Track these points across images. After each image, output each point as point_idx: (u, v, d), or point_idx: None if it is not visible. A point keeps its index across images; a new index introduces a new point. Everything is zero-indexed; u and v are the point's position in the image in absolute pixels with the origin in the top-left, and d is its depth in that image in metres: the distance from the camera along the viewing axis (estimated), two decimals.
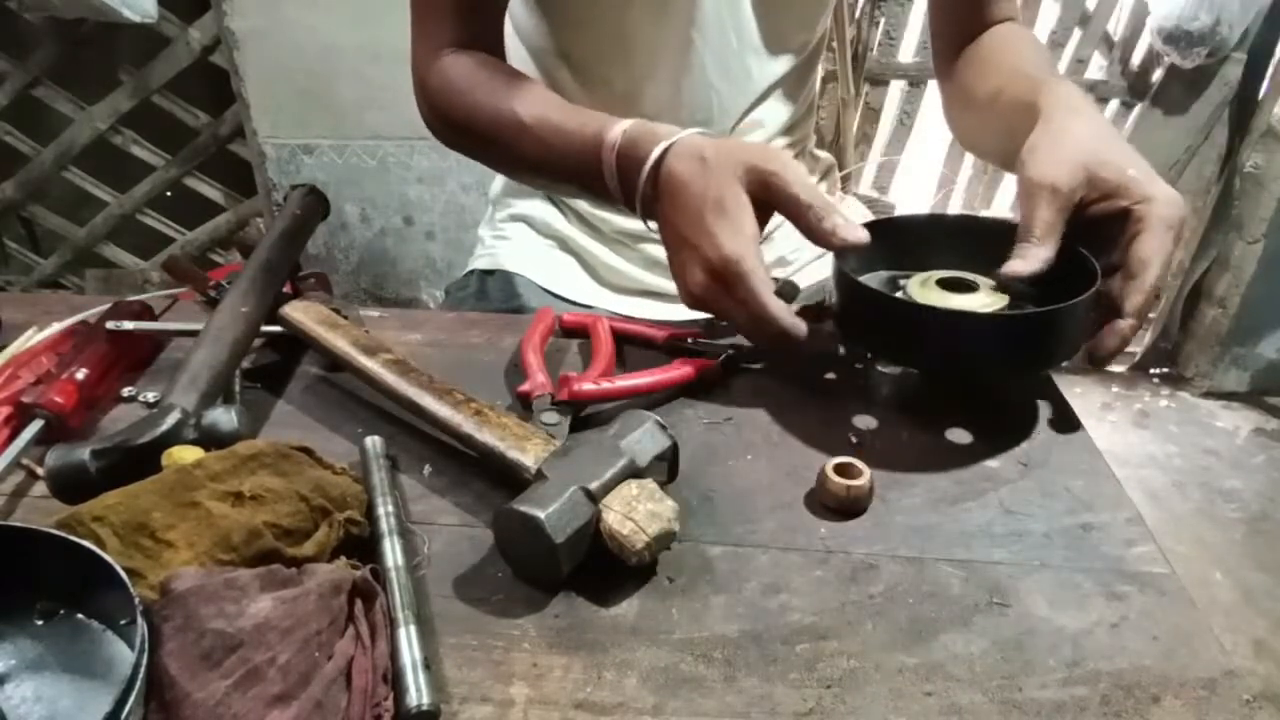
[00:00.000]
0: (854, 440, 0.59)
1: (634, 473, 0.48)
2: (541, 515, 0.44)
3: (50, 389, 0.57)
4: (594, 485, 0.46)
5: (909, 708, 0.41)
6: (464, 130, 0.76)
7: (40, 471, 0.51)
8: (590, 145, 0.66)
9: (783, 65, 0.85)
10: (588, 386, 0.59)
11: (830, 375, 0.67)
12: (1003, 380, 0.65)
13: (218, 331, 0.59)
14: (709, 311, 0.63)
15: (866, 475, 0.53)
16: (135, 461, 0.49)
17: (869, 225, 0.67)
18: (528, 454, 0.50)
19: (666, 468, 0.52)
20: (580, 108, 0.70)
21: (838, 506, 0.52)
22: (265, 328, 0.65)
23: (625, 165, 0.64)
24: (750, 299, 0.58)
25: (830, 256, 0.62)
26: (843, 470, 0.53)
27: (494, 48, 0.79)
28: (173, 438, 0.51)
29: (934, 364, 0.62)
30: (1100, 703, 0.41)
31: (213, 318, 0.60)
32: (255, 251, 0.67)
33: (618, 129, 0.65)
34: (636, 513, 0.46)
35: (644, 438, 0.51)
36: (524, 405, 0.59)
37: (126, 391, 0.62)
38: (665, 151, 0.62)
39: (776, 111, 0.88)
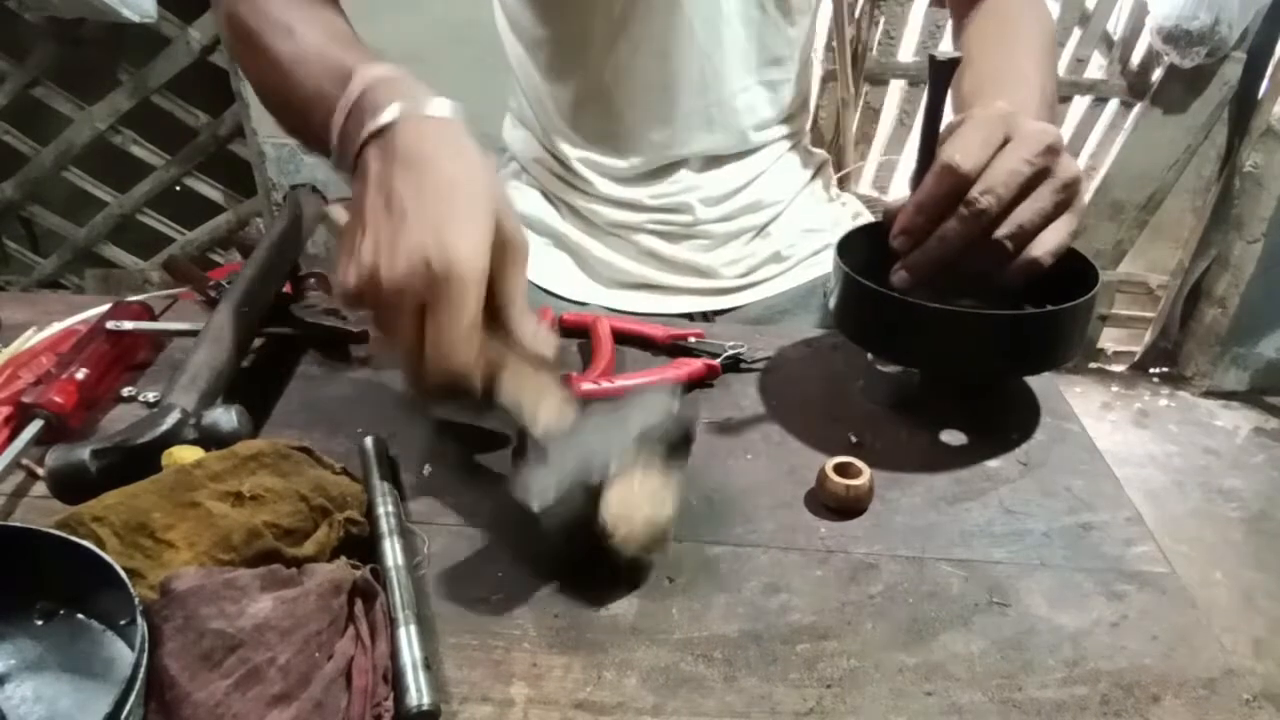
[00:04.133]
0: (854, 440, 0.59)
1: (643, 457, 0.46)
2: (537, 509, 0.43)
3: (50, 389, 0.57)
4: (595, 477, 0.45)
5: (909, 707, 0.41)
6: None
7: (40, 471, 0.51)
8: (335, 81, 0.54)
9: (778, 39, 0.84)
10: (588, 386, 0.59)
11: (830, 375, 0.67)
12: (1002, 380, 0.65)
13: (218, 331, 0.59)
14: (367, 309, 0.49)
15: (866, 475, 0.53)
16: (135, 461, 0.49)
17: (869, 226, 0.67)
18: (538, 423, 0.48)
19: (682, 450, 0.50)
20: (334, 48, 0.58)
21: (838, 506, 0.52)
22: (265, 328, 0.65)
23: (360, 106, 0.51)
24: (452, 323, 0.45)
25: (831, 252, 0.62)
26: (843, 470, 0.53)
27: None
28: (173, 438, 0.51)
29: (934, 363, 0.62)
30: (1100, 702, 0.41)
31: (213, 318, 0.60)
32: (255, 251, 0.67)
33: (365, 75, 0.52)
34: (635, 509, 0.45)
35: (656, 417, 0.48)
36: None
37: (126, 391, 0.62)
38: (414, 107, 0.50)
39: (772, 88, 0.87)
